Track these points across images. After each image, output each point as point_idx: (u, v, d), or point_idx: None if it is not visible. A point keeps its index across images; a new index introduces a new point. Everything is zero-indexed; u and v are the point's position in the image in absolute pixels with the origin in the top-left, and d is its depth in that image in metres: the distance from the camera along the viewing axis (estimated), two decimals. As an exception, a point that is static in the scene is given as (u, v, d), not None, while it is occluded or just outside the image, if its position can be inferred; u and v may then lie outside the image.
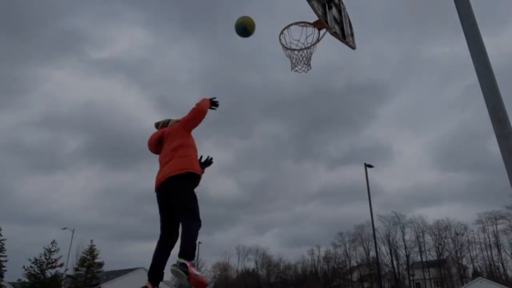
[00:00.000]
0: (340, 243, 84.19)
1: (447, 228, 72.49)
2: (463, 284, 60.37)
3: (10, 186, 72.26)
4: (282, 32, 4.47)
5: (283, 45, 4.51)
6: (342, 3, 4.72)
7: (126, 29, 73.28)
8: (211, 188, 59.78)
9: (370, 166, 22.77)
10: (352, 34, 4.77)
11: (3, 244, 38.58)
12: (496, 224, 67.14)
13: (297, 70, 4.47)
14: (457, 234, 71.19)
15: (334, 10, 4.46)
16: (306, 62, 4.48)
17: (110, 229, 77.25)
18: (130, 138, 69.53)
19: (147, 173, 62.55)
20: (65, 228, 43.12)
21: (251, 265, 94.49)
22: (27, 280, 37.29)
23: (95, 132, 75.62)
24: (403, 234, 73.79)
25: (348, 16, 4.80)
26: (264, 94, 69.99)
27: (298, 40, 4.49)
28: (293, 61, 4.51)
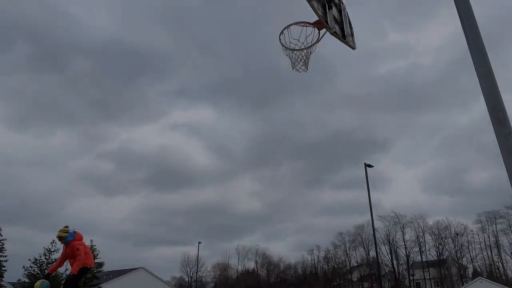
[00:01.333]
0: (340, 243, 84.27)
1: (447, 228, 72.50)
2: (463, 284, 60.35)
3: (75, 202, 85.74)
4: (282, 32, 4.47)
5: (282, 45, 4.50)
6: (342, 3, 4.72)
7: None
8: (240, 205, 77.98)
9: (370, 166, 22.79)
10: (352, 34, 4.76)
11: (3, 244, 38.81)
12: (495, 224, 67.20)
13: (297, 70, 4.47)
14: (457, 234, 71.20)
15: (334, 10, 4.45)
16: (305, 62, 4.48)
17: (142, 236, 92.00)
18: (180, 171, 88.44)
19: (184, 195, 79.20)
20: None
21: (251, 265, 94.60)
22: (27, 280, 37.29)
23: (157, 166, 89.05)
24: (403, 234, 73.82)
25: (348, 16, 4.79)
26: (289, 141, 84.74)
27: (298, 40, 4.48)
28: (293, 61, 4.51)
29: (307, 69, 4.56)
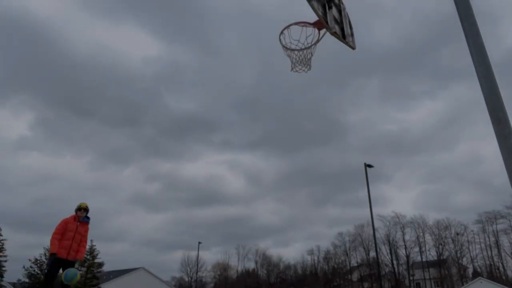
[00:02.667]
0: (340, 243, 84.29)
1: (447, 228, 72.50)
2: (463, 284, 60.31)
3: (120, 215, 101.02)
4: (282, 32, 4.46)
5: (283, 45, 4.50)
6: (342, 3, 4.70)
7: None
8: (259, 219, 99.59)
9: (370, 166, 22.82)
10: (352, 34, 4.75)
11: (3, 244, 38.65)
12: (496, 224, 67.20)
13: (296, 71, 4.47)
14: (457, 234, 71.18)
15: (334, 10, 4.44)
16: (306, 62, 4.48)
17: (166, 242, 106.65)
18: (215, 192, 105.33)
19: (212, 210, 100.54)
20: None
21: (251, 265, 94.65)
22: (27, 280, 37.38)
23: (197, 189, 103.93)
24: (403, 234, 73.80)
25: (348, 16, 4.78)
26: (306, 174, 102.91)
27: (298, 40, 4.48)
28: (293, 61, 4.50)
29: (309, 69, 4.57)
